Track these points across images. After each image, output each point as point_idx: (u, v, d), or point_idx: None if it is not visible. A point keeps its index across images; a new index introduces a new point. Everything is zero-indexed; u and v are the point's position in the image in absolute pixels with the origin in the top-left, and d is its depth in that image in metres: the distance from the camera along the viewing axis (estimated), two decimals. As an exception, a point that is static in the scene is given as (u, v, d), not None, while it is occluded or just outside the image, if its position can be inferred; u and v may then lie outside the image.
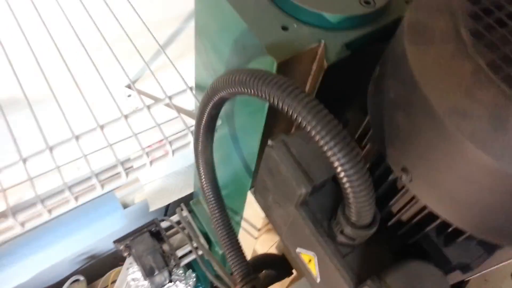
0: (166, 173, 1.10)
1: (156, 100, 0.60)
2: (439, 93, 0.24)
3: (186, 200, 1.05)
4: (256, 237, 0.70)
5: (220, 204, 0.53)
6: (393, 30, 0.32)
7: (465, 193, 0.26)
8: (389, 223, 0.36)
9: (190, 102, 0.61)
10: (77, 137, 0.48)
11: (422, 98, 0.25)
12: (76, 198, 0.45)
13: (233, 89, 0.35)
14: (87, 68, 0.58)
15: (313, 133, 0.29)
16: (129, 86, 0.87)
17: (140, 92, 0.75)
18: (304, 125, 0.30)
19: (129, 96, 0.89)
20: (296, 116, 0.30)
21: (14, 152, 0.51)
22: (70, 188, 0.45)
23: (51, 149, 0.48)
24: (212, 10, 0.42)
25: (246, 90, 0.33)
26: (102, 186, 0.46)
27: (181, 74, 0.57)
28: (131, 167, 0.47)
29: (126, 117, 0.50)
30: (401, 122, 0.27)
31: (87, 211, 1.05)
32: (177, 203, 1.11)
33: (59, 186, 0.50)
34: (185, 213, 0.95)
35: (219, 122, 0.54)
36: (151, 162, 0.48)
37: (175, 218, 0.95)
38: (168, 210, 1.22)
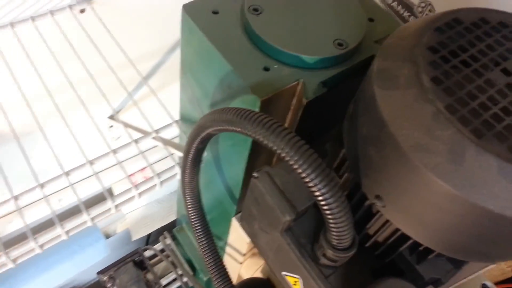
0: (148, 202, 1.11)
1: (141, 131, 0.63)
2: (404, 132, 0.28)
3: (169, 228, 1.06)
4: (241, 262, 0.72)
5: (207, 232, 0.55)
6: (365, 67, 0.35)
7: (432, 218, 0.29)
8: (367, 245, 0.39)
9: (175, 131, 0.64)
10: (67, 173, 0.49)
11: (390, 135, 0.28)
12: (67, 233, 0.47)
13: (220, 127, 0.38)
14: (70, 100, 0.60)
15: (295, 166, 0.32)
16: (111, 117, 0.89)
17: (125, 124, 0.77)
18: (287, 159, 0.33)
19: (111, 126, 0.91)
20: (280, 151, 0.33)
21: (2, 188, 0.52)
22: (61, 225, 0.46)
23: (42, 186, 0.50)
24: (198, 50, 0.46)
25: (232, 128, 0.36)
26: (92, 220, 0.47)
27: (166, 106, 0.60)
28: (121, 202, 0.49)
29: (114, 152, 0.52)
30: (373, 156, 0.31)
31: (69, 243, 1.04)
32: (159, 231, 1.12)
33: (46, 215, 0.51)
34: (168, 241, 0.96)
35: (205, 153, 0.56)
36: (139, 194, 0.50)
37: (158, 246, 0.96)
38: (150, 238, 1.22)
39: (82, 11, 0.63)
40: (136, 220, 1.10)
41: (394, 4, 0.63)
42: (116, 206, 0.51)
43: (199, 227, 0.55)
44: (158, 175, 0.51)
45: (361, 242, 0.39)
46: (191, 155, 0.46)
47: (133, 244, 1.14)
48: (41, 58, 0.59)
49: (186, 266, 0.93)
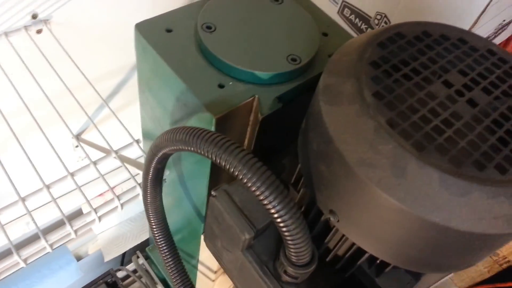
0: (119, 221, 1.09)
1: (104, 151, 0.62)
2: (349, 147, 0.28)
3: (143, 247, 1.04)
4: (213, 280, 0.71)
5: (173, 252, 0.54)
6: (318, 82, 0.36)
7: (382, 231, 0.29)
8: (328, 259, 0.39)
9: (138, 151, 0.63)
10: (23, 199, 0.48)
11: (336, 151, 0.28)
12: (25, 260, 0.45)
13: (175, 147, 0.37)
14: (32, 123, 0.59)
15: (249, 184, 0.32)
16: (76, 137, 0.87)
17: (88, 143, 0.76)
18: (240, 177, 0.32)
19: (76, 146, 0.89)
20: (233, 170, 0.33)
21: None
22: (18, 251, 0.45)
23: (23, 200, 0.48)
24: (153, 69, 0.45)
25: (186, 147, 0.36)
26: (51, 246, 0.46)
27: (128, 126, 0.59)
28: (81, 225, 0.48)
29: (72, 175, 0.51)
30: (323, 171, 0.31)
31: (39, 267, 1.01)
32: (133, 250, 1.10)
33: (5, 245, 0.49)
34: (141, 260, 0.94)
35: (167, 172, 0.56)
36: (99, 218, 0.48)
37: (131, 266, 0.94)
38: (124, 258, 1.20)
39: (39, 31, 0.62)
40: (108, 240, 1.08)
41: (352, 17, 0.64)
42: (76, 231, 0.50)
43: (165, 247, 0.54)
44: (119, 197, 0.50)
45: (322, 257, 0.39)
46: (150, 175, 0.45)
47: (106, 265, 1.11)
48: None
49: (160, 286, 0.91)
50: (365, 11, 0.62)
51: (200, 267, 0.73)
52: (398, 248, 0.30)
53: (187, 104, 0.42)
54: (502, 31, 0.71)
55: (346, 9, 0.65)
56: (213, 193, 0.40)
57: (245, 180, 0.32)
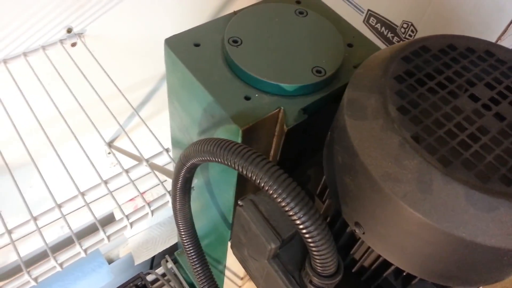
0: (149, 225, 1.11)
1: (135, 158, 0.64)
2: (374, 161, 0.28)
3: (171, 251, 1.07)
4: (240, 286, 0.72)
5: (202, 258, 0.55)
6: (344, 93, 0.36)
7: (408, 245, 0.29)
8: (353, 270, 0.39)
9: (168, 158, 0.65)
10: (59, 205, 0.50)
11: (361, 164, 0.29)
12: (61, 265, 0.47)
13: (203, 158, 0.39)
14: (67, 130, 0.61)
15: (275, 195, 0.33)
16: (109, 144, 0.90)
17: (119, 150, 0.78)
18: (266, 188, 0.33)
19: (109, 153, 0.92)
20: (259, 181, 0.33)
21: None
22: (54, 255, 0.47)
23: (35, 219, 0.50)
24: (182, 82, 0.47)
25: (214, 159, 0.37)
26: (86, 251, 0.48)
27: (158, 133, 0.61)
28: (114, 231, 0.50)
29: (106, 182, 0.53)
30: (349, 184, 0.31)
31: (72, 269, 1.05)
32: (162, 254, 1.12)
33: (41, 250, 0.51)
34: (170, 264, 0.96)
35: (195, 180, 0.57)
36: (131, 224, 0.50)
37: (160, 270, 0.96)
38: (154, 261, 1.22)
39: (73, 44, 0.65)
40: (138, 244, 1.11)
41: (378, 25, 0.64)
42: (108, 237, 0.52)
43: (193, 253, 0.55)
44: (149, 204, 0.51)
45: (348, 267, 0.39)
46: (179, 184, 0.47)
47: (137, 268, 1.14)
48: (34, 92, 0.61)
49: (187, 290, 0.93)
50: (391, 20, 0.62)
51: (227, 272, 0.74)
52: (424, 262, 0.30)
53: (214, 116, 0.43)
54: (534, 36, 0.69)
55: (372, 18, 0.65)
56: (239, 202, 0.41)
57: (271, 191, 0.33)
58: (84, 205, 0.51)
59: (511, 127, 0.29)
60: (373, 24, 0.65)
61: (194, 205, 0.67)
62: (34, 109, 0.59)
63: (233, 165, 0.35)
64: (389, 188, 0.27)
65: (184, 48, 0.45)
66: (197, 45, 0.45)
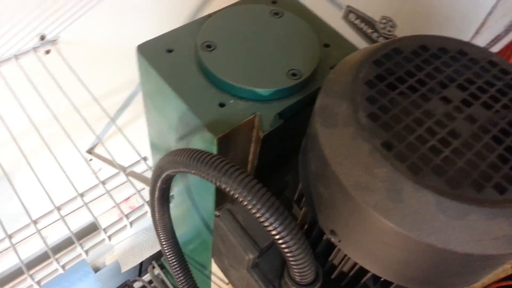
0: (135, 231, 1.10)
1: (115, 166, 0.62)
2: (345, 170, 0.27)
3: (159, 256, 1.05)
4: (227, 290, 0.71)
5: (184, 267, 0.54)
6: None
7: (382, 252, 0.29)
8: (333, 276, 0.39)
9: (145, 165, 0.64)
10: (35, 221, 0.49)
11: (333, 173, 0.28)
12: (39, 283, 0.46)
13: (177, 169, 0.38)
14: (44, 141, 0.60)
15: (249, 206, 0.32)
16: (89, 151, 0.89)
17: (100, 158, 0.77)
18: (240, 199, 0.32)
19: (90, 160, 0.90)
20: (233, 192, 0.33)
21: None
22: (30, 272, 0.46)
23: (35, 222, 0.49)
24: (156, 89, 0.46)
25: (187, 170, 0.36)
26: (63, 267, 0.47)
27: (137, 139, 0.60)
28: (91, 245, 0.49)
29: (82, 195, 0.52)
30: (322, 192, 0.31)
31: (59, 280, 1.03)
32: (150, 259, 1.11)
33: (39, 249, 0.51)
34: (157, 271, 0.95)
35: (175, 188, 0.56)
36: (109, 237, 0.49)
37: (147, 277, 0.95)
38: (142, 267, 1.21)
39: (47, 52, 0.63)
40: (124, 251, 1.09)
41: (357, 21, 0.64)
42: (110, 237, 0.51)
43: (175, 263, 0.54)
44: (127, 215, 0.51)
45: (327, 273, 0.39)
46: (156, 195, 0.46)
47: (124, 275, 1.13)
48: (8, 102, 0.59)
49: (176, 295, 0.92)
50: (370, 15, 0.62)
51: (213, 277, 0.73)
52: (399, 269, 0.30)
53: (190, 124, 0.43)
54: (514, 29, 0.69)
55: (351, 14, 0.64)
56: (216, 213, 0.40)
57: (245, 203, 0.32)
58: (60, 218, 0.49)
59: (482, 130, 0.28)
60: (352, 20, 0.64)
61: (177, 211, 0.66)
62: (12, 119, 0.58)
63: (206, 177, 0.34)
64: (360, 197, 0.27)
65: (157, 54, 0.44)
66: (170, 50, 0.44)
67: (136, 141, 0.62)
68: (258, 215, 0.32)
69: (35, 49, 0.61)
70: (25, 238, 0.67)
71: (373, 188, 0.26)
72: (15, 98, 0.58)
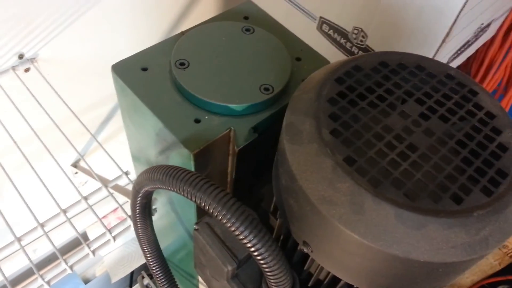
0: (124, 241, 1.10)
1: (100, 179, 0.63)
2: (311, 185, 0.29)
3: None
4: (215, 298, 0.72)
5: (169, 279, 0.55)
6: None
7: (350, 262, 0.30)
8: (309, 284, 0.40)
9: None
10: (19, 239, 0.50)
11: (300, 188, 0.29)
12: (48, 283, 0.47)
13: (154, 185, 0.39)
14: (25, 159, 0.61)
15: (224, 221, 0.33)
16: (74, 165, 0.89)
17: (85, 171, 0.78)
18: (215, 214, 0.34)
19: (76, 173, 0.91)
20: (208, 207, 0.34)
21: None
22: (41, 275, 0.46)
23: (19, 240, 0.50)
24: (132, 107, 0.47)
25: (164, 186, 0.37)
26: (49, 283, 0.47)
27: (121, 154, 0.61)
28: (94, 246, 0.50)
29: (65, 211, 0.53)
30: (293, 205, 0.32)
31: (48, 292, 1.03)
32: (140, 270, 1.11)
33: (23, 266, 0.51)
34: (146, 280, 0.95)
35: (157, 202, 0.57)
36: (93, 252, 0.50)
37: (137, 287, 0.96)
38: (133, 277, 1.21)
39: (27, 70, 0.64)
40: (114, 262, 1.10)
41: (331, 32, 0.65)
42: (94, 251, 0.52)
43: (161, 275, 0.55)
44: (110, 230, 0.51)
45: (304, 282, 0.40)
46: (137, 210, 0.47)
47: (114, 286, 1.13)
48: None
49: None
50: (342, 26, 0.63)
51: (201, 286, 0.74)
52: (368, 277, 0.31)
53: (167, 140, 0.44)
54: (483, 33, 0.71)
55: (324, 24, 0.66)
56: (195, 226, 0.41)
57: (220, 217, 0.33)
58: (43, 235, 0.50)
59: (439, 142, 0.30)
60: (326, 31, 0.66)
61: (162, 222, 0.67)
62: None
63: (182, 193, 0.35)
64: (326, 211, 0.28)
65: (132, 73, 0.45)
66: (144, 69, 0.45)
67: (119, 155, 0.63)
68: (233, 229, 0.33)
69: (14, 67, 0.62)
70: (10, 255, 0.68)
71: (337, 202, 0.28)
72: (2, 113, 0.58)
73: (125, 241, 1.10)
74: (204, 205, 0.34)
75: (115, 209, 0.97)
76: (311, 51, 0.49)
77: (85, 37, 0.68)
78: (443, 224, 0.26)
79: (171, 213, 0.62)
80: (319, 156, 0.28)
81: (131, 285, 1.18)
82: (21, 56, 0.63)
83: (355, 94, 0.31)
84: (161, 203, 0.63)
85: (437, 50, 0.57)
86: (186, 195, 0.35)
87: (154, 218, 0.68)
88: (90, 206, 0.53)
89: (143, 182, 0.40)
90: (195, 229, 0.41)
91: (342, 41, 0.65)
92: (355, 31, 0.62)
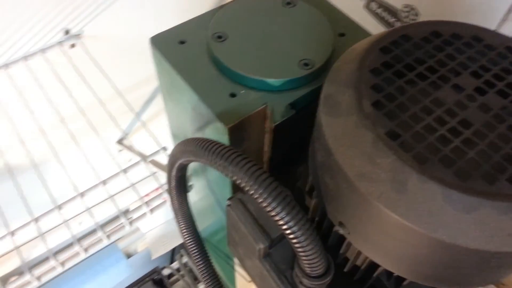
0: (166, 219, 1.12)
1: (142, 156, 0.64)
2: (348, 160, 0.27)
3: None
4: (250, 281, 0.72)
5: (204, 255, 0.55)
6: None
7: (390, 246, 0.28)
8: (345, 269, 0.38)
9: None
10: (82, 194, 0.51)
11: (336, 163, 0.27)
12: (86, 250, 0.48)
13: (188, 158, 0.38)
14: (80, 129, 0.62)
15: (257, 197, 0.32)
16: (120, 142, 0.91)
17: (129, 148, 0.79)
18: (247, 189, 0.32)
19: (120, 150, 0.93)
20: (240, 181, 0.32)
21: (24, 211, 0.55)
22: (79, 241, 0.48)
23: (59, 207, 0.51)
24: (169, 81, 0.46)
25: (196, 159, 0.36)
26: (108, 237, 0.48)
27: (164, 132, 0.61)
28: (131, 217, 0.50)
29: (104, 182, 0.53)
30: (329, 183, 0.30)
31: (92, 264, 1.07)
32: (180, 248, 1.13)
33: (67, 240, 0.53)
34: (185, 259, 0.97)
35: (193, 178, 0.57)
36: (130, 223, 0.50)
37: (176, 265, 0.97)
38: (174, 255, 1.24)
39: (72, 46, 0.65)
40: (155, 239, 1.12)
41: (379, 10, 0.62)
42: (131, 222, 0.53)
43: (196, 251, 0.55)
44: (147, 203, 0.52)
45: (340, 266, 0.38)
46: (173, 183, 0.46)
47: (155, 262, 1.16)
48: (36, 95, 0.62)
49: (201, 285, 0.93)
50: (392, 4, 0.60)
51: (237, 268, 0.74)
52: (408, 264, 0.29)
53: (202, 114, 0.43)
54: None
55: (372, 3, 0.62)
56: (227, 202, 0.40)
57: (252, 192, 0.32)
58: (86, 210, 0.51)
59: (497, 119, 0.27)
60: (374, 10, 0.62)
61: (201, 203, 0.67)
62: (38, 113, 0.60)
63: (214, 166, 0.34)
64: (364, 188, 0.26)
65: (170, 45, 0.44)
66: (182, 42, 0.44)
67: (162, 134, 0.63)
68: (265, 204, 0.31)
69: (60, 43, 0.63)
70: (54, 228, 0.70)
71: (377, 179, 0.25)
72: (43, 92, 0.60)
73: (166, 219, 1.12)
74: (235, 179, 0.33)
75: (157, 188, 0.99)
76: (356, 26, 0.46)
77: (131, 16, 0.69)
78: (498, 208, 0.23)
79: (208, 192, 0.61)
80: (359, 129, 0.26)
81: (172, 262, 1.20)
82: (67, 32, 0.64)
83: (402, 65, 0.29)
84: (198, 183, 0.62)
85: (497, 29, 0.52)
86: (218, 168, 0.34)
87: (193, 199, 0.69)
88: (133, 184, 0.54)
89: (177, 155, 0.40)
90: (228, 205, 0.40)
91: (392, 20, 0.61)
92: (406, 9, 0.58)
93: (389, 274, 0.35)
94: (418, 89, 0.28)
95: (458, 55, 0.29)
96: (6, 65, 0.61)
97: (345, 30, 0.46)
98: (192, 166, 0.60)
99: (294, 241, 0.32)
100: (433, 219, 0.24)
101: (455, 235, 0.24)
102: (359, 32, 0.46)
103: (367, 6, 0.63)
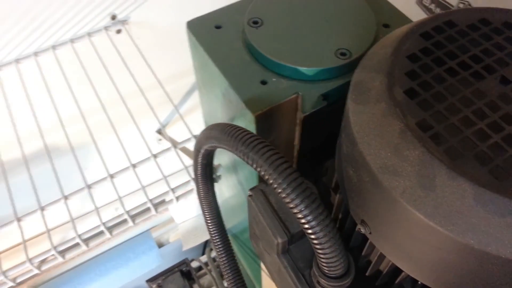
0: (198, 212, 1.13)
1: (173, 143, 0.64)
2: (372, 151, 0.24)
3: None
4: (274, 280, 0.70)
5: (227, 247, 0.54)
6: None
7: (413, 248, 0.26)
8: (367, 273, 0.35)
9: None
10: (111, 176, 0.52)
11: (360, 154, 0.25)
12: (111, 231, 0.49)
13: (212, 144, 0.37)
14: (122, 117, 0.63)
15: (277, 187, 0.30)
16: (159, 132, 0.92)
17: (169, 139, 0.80)
18: (267, 178, 0.31)
19: (160, 140, 0.94)
20: (260, 170, 0.31)
21: (57, 192, 0.57)
22: (108, 228, 0.49)
23: (89, 186, 0.53)
24: (203, 66, 0.45)
25: (219, 145, 0.35)
26: (133, 220, 0.49)
27: (192, 127, 0.61)
28: (163, 201, 0.51)
29: (134, 166, 0.54)
30: (352, 177, 0.28)
31: (125, 250, 1.10)
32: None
33: (97, 226, 0.54)
34: (214, 253, 0.96)
35: (220, 168, 0.56)
36: (177, 198, 0.50)
37: (204, 258, 0.97)
38: (206, 247, 1.24)
39: (118, 31, 0.67)
40: (187, 231, 1.13)
41: (432, 6, 0.58)
42: (156, 208, 0.53)
43: (219, 242, 0.54)
44: (173, 190, 0.51)
45: (362, 270, 0.36)
46: (199, 171, 0.46)
47: (186, 254, 1.17)
48: (80, 79, 0.63)
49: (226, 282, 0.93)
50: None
51: (263, 266, 0.72)
52: (433, 270, 0.26)
53: (232, 101, 0.42)
54: None
55: (424, -2, 0.58)
56: (249, 192, 0.39)
57: (272, 182, 0.30)
58: (117, 199, 0.52)
59: (548, 116, 0.23)
60: (427, 5, 0.59)
61: (232, 199, 0.66)
62: (78, 97, 0.62)
63: (235, 152, 0.33)
64: (387, 182, 0.24)
65: (205, 30, 0.43)
66: (218, 27, 0.44)
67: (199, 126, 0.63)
68: (284, 195, 0.30)
69: (106, 28, 0.65)
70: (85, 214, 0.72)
71: (402, 173, 0.23)
72: (86, 75, 0.62)
73: (199, 213, 1.13)
74: (255, 166, 0.31)
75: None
76: (402, 17, 0.44)
77: (177, 4, 0.69)
78: (539, 214, 0.20)
79: (237, 187, 0.60)
80: (386, 117, 0.24)
81: (203, 254, 1.21)
82: (113, 17, 0.65)
83: (443, 52, 0.26)
84: (229, 178, 0.61)
85: None
86: (239, 154, 0.33)
87: (224, 196, 0.68)
88: (165, 176, 0.54)
89: (202, 140, 0.39)
90: (249, 195, 0.39)
91: (444, 16, 0.57)
92: (461, 5, 0.54)
93: (413, 281, 0.32)
94: (458, 79, 0.25)
95: (508, 45, 0.26)
96: (54, 47, 0.63)
97: (391, 21, 0.43)
98: (223, 160, 0.59)
99: (312, 237, 0.30)
100: (462, 220, 0.22)
101: (485, 240, 0.21)
102: (405, 23, 0.43)
103: (420, 2, 0.59)
